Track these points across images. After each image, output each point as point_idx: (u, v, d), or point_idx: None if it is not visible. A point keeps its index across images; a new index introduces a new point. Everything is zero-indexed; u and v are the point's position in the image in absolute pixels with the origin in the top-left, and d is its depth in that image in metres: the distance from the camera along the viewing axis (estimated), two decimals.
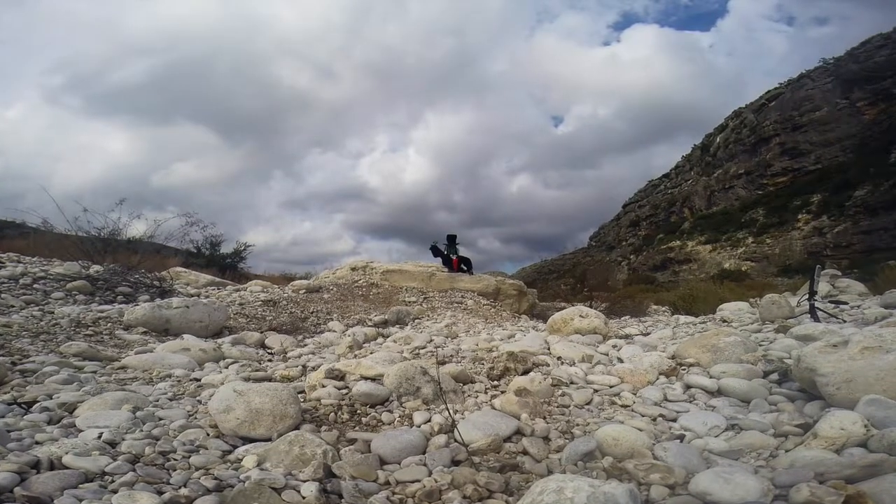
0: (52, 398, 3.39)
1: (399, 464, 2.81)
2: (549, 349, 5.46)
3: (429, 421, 3.36)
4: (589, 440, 2.98)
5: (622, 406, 3.84)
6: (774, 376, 4.14)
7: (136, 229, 12.51)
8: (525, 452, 3.02)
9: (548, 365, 4.73)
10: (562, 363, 4.91)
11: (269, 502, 2.18)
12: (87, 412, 3.11)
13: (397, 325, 8.30)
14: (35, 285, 7.83)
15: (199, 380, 4.32)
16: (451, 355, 5.18)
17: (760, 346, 5.04)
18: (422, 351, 5.57)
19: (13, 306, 6.60)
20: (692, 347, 4.89)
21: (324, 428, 3.21)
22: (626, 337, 6.52)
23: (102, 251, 10.79)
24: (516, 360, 4.57)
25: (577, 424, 3.45)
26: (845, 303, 7.83)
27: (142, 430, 2.88)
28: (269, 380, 4.31)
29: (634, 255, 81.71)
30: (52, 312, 6.51)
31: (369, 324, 8.28)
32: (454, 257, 13.08)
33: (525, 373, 4.39)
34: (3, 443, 2.50)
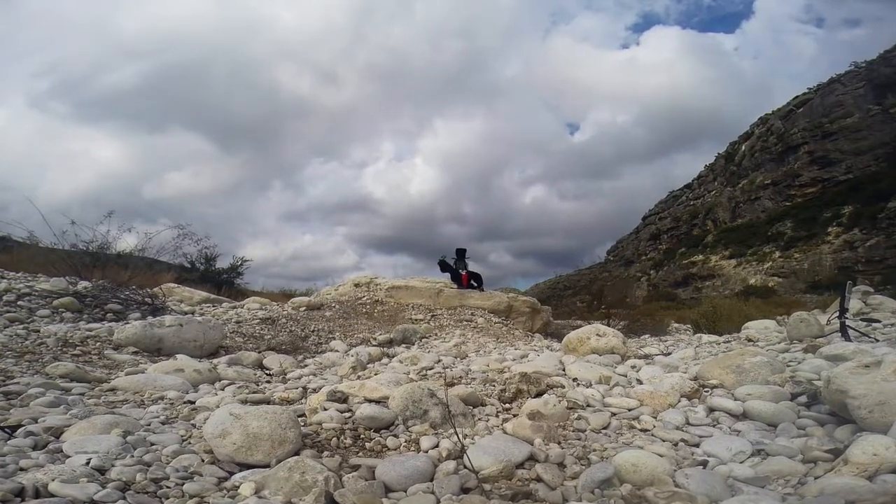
0: (37, 422, 3.39)
1: (405, 491, 2.82)
2: (564, 370, 5.46)
3: (437, 446, 3.37)
4: (606, 466, 2.98)
5: (641, 430, 3.84)
6: (803, 399, 4.13)
7: (127, 243, 12.54)
8: (539, 479, 3.02)
9: (563, 387, 4.72)
10: (577, 385, 4.91)
11: None
12: (75, 437, 3.11)
13: (403, 345, 8.31)
14: (20, 302, 7.87)
15: (194, 402, 4.33)
16: (461, 376, 5.18)
17: (788, 366, 5.02)
18: (429, 372, 5.58)
19: None
20: (716, 368, 4.88)
21: (325, 453, 3.21)
22: (646, 357, 6.51)
23: (91, 266, 10.82)
24: (529, 382, 4.57)
25: (594, 450, 3.45)
26: (878, 321, 7.80)
27: (132, 456, 2.89)
28: (268, 402, 4.31)
29: (654, 270, 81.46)
30: (38, 331, 6.54)
31: (374, 343, 8.29)
32: (464, 273, 13.05)
33: (539, 395, 4.39)
34: None
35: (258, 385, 5.36)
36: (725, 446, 3.39)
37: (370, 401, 4.02)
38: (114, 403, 4.25)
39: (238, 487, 2.63)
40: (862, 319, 7.87)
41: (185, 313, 9.24)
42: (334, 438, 3.46)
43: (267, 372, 6.13)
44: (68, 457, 2.84)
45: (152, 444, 3.15)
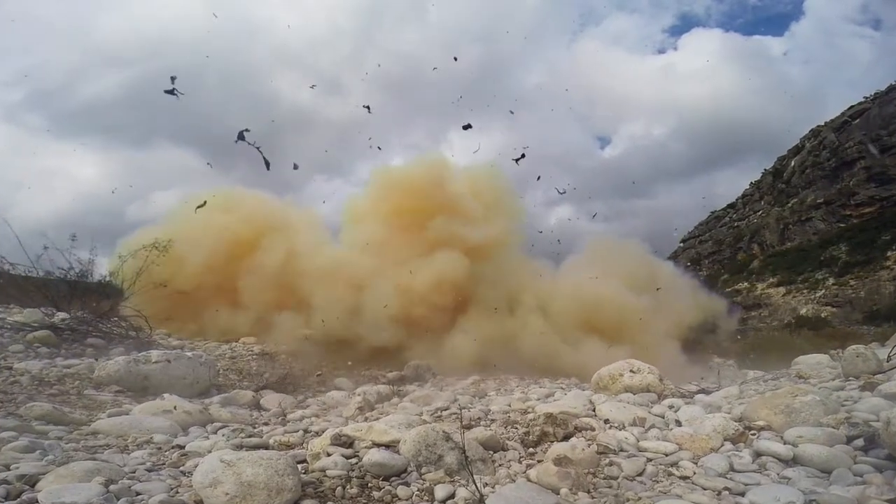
0: (10, 469, 3.40)
1: None
2: (594, 410, 5.45)
3: (453, 496, 3.37)
4: None
5: (681, 477, 3.82)
6: (860, 442, 4.10)
7: (109, 269, 12.56)
8: None
9: (593, 429, 4.71)
10: (609, 427, 4.90)
11: None
12: (52, 485, 3.12)
13: (416, 383, 8.33)
14: None
15: (183, 447, 4.35)
16: (479, 418, 5.18)
17: (843, 406, 4.98)
18: (444, 413, 5.57)
19: None
20: (763, 408, 4.85)
21: None
22: (686, 396, 6.48)
23: (69, 296, 10.87)
24: (555, 424, 4.56)
25: (628, 499, 3.44)
26: None
27: None
28: (265, 447, 4.33)
29: None
30: (11, 368, 6.59)
31: (383, 380, 8.31)
32: None
33: (566, 438, 4.38)
34: None
35: (254, 427, 5.38)
36: (773, 495, 3.37)
37: (379, 445, 4.02)
38: (95, 448, 4.28)
39: None
40: None
41: (174, 348, 9.29)
42: (339, 487, 3.45)
43: (264, 413, 6.14)
44: None
45: (137, 494, 3.16)
